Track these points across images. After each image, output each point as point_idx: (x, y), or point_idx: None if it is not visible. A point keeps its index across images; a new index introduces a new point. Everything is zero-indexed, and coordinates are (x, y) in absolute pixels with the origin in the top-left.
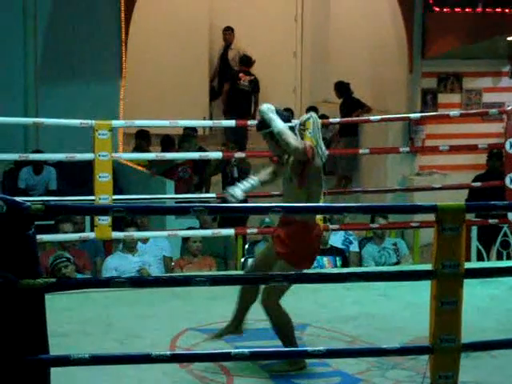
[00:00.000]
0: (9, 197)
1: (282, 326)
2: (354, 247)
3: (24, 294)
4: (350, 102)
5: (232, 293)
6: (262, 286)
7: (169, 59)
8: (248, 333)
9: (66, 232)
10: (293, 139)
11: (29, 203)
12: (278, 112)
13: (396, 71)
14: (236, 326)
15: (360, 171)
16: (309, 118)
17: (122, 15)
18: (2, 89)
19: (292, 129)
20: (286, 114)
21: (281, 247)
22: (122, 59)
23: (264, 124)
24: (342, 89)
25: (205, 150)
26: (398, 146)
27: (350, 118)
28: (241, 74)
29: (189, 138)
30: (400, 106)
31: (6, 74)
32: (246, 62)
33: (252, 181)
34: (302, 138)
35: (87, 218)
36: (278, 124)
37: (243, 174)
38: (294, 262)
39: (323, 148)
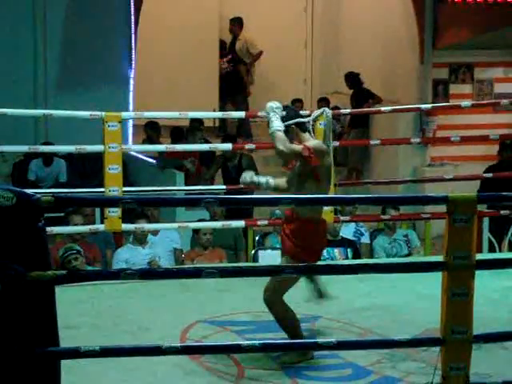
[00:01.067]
0: (18, 189)
1: (287, 321)
2: (365, 239)
3: (34, 286)
4: (360, 93)
5: (242, 285)
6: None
7: (179, 50)
8: (258, 325)
9: (76, 224)
10: (281, 142)
11: (39, 195)
12: (286, 108)
13: (407, 62)
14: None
15: (371, 162)
16: (322, 113)
17: (132, 7)
18: (11, 82)
19: (301, 124)
20: (293, 111)
21: (286, 243)
22: (132, 50)
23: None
24: (353, 79)
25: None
26: (409, 137)
27: (360, 109)
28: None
29: (193, 131)
30: (411, 97)
31: (15, 68)
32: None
33: (267, 178)
34: (314, 132)
35: (97, 210)
36: (274, 125)
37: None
38: (299, 258)
39: (331, 141)
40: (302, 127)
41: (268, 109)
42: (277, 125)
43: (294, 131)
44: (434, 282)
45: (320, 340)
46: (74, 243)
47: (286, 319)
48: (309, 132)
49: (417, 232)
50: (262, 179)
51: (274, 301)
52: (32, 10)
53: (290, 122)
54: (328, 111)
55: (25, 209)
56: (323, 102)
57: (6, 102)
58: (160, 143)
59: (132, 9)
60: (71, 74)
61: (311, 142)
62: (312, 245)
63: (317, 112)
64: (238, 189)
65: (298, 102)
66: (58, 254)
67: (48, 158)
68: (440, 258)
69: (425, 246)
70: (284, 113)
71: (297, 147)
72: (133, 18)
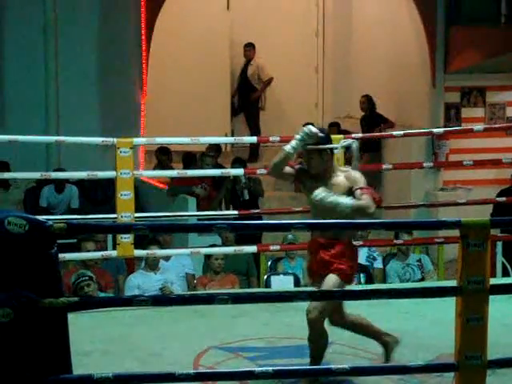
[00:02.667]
0: (31, 215)
1: (319, 343)
2: (378, 263)
3: (46, 313)
4: (372, 117)
5: (255, 310)
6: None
7: (190, 76)
8: (271, 351)
9: (89, 250)
10: (278, 159)
11: (51, 222)
12: (323, 131)
13: (419, 85)
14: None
15: (383, 186)
16: (350, 144)
17: (143, 32)
18: (23, 108)
19: (333, 150)
20: (329, 136)
21: (337, 264)
22: (143, 75)
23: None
24: (368, 102)
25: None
26: (421, 161)
27: (373, 134)
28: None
29: (203, 157)
30: (423, 121)
31: (27, 93)
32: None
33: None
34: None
35: (109, 236)
36: (290, 144)
37: (254, 196)
38: (348, 279)
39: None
40: (333, 153)
41: (300, 133)
42: (289, 146)
43: (327, 156)
44: (447, 307)
45: (333, 366)
46: (87, 269)
47: (320, 340)
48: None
49: (430, 256)
50: (293, 143)
51: (318, 320)
52: (44, 36)
53: (329, 146)
54: (356, 143)
55: (37, 236)
56: (334, 126)
57: (18, 129)
58: (171, 169)
59: (143, 34)
60: (83, 101)
61: (357, 174)
62: (356, 264)
63: (346, 142)
64: (250, 214)
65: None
66: (70, 280)
67: (60, 185)
68: (454, 283)
69: (438, 270)
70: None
71: (289, 171)
72: (144, 43)
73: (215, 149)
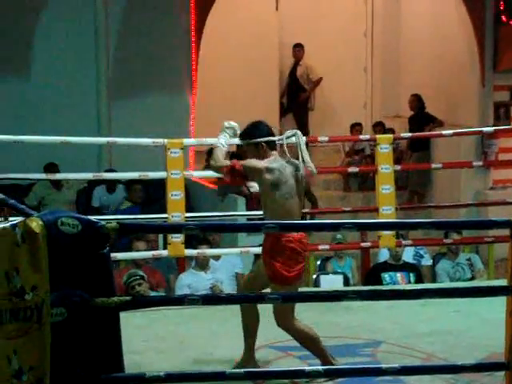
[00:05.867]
0: (84, 216)
1: (308, 340)
2: (426, 261)
3: (99, 312)
4: (420, 116)
5: (304, 309)
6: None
7: (239, 77)
8: None
9: (139, 250)
10: (214, 158)
11: (103, 222)
12: (260, 124)
13: (468, 84)
14: (249, 357)
15: (433, 186)
16: (294, 134)
17: (193, 34)
18: (75, 108)
19: (271, 142)
20: (267, 128)
21: (268, 266)
22: (192, 77)
23: (242, 135)
24: (418, 102)
25: None
26: (471, 161)
27: (422, 133)
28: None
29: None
30: (472, 120)
31: (78, 94)
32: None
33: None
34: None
35: (160, 236)
36: (218, 142)
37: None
38: (287, 280)
39: (308, 162)
40: (271, 145)
41: (221, 127)
42: (220, 142)
43: (263, 148)
44: (497, 306)
45: (383, 365)
46: (138, 269)
47: (306, 338)
48: (283, 151)
49: (480, 255)
50: (222, 140)
51: (287, 323)
52: (95, 37)
53: (262, 139)
54: (299, 133)
55: (90, 236)
56: (379, 126)
57: (70, 131)
58: None
59: (193, 36)
60: (134, 102)
61: (250, 159)
62: (287, 260)
63: (289, 133)
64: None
65: (357, 126)
66: (122, 279)
67: (111, 185)
68: (504, 282)
69: (488, 269)
70: (237, 133)
71: (223, 164)
72: (194, 44)
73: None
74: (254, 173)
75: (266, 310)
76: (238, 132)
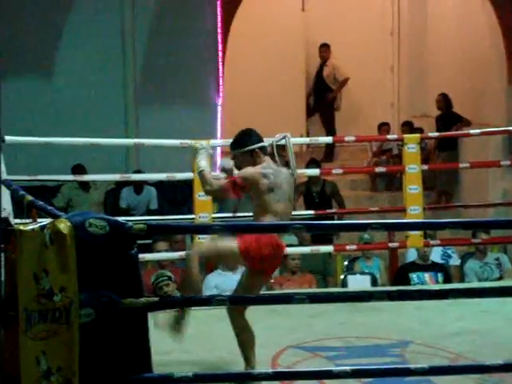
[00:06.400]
0: (111, 217)
1: (242, 339)
2: (454, 261)
3: (127, 313)
4: (448, 116)
5: (332, 310)
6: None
7: (266, 77)
8: (349, 350)
9: (160, 251)
10: (208, 182)
11: (131, 223)
12: (250, 132)
13: (495, 83)
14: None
15: (460, 186)
16: (283, 137)
17: (219, 35)
18: (102, 110)
19: (263, 148)
20: (257, 135)
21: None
22: (219, 78)
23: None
24: (445, 101)
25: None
26: (498, 160)
27: (449, 133)
28: None
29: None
30: (499, 119)
31: (106, 96)
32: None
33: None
34: (279, 155)
35: (188, 236)
36: (200, 165)
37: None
38: (244, 251)
39: (294, 167)
40: (264, 151)
41: (196, 150)
42: (202, 164)
43: (257, 154)
44: None
45: (412, 366)
46: (166, 269)
47: (242, 335)
48: (272, 155)
49: (508, 255)
50: (203, 162)
51: (234, 314)
52: (121, 39)
53: (255, 146)
54: (289, 136)
55: (118, 237)
56: (407, 125)
57: (98, 132)
58: None
59: (220, 36)
60: (161, 103)
61: (244, 169)
62: (259, 245)
63: (279, 136)
64: (326, 214)
65: (385, 126)
66: (149, 280)
67: (138, 186)
68: None
69: None
70: (211, 152)
71: (221, 183)
72: (220, 45)
73: (282, 148)
74: (252, 180)
75: (294, 311)
76: (211, 151)
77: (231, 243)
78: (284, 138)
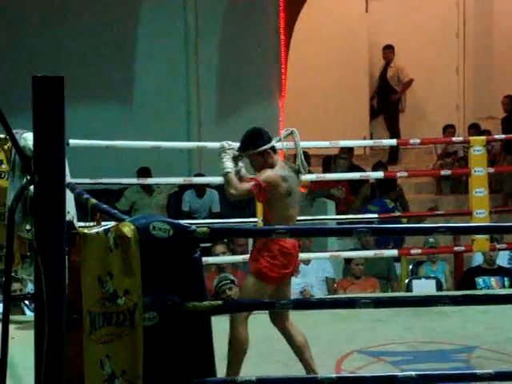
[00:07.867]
0: (175, 221)
1: (236, 349)
2: None
3: (190, 316)
4: None
5: (396, 314)
6: None
7: (329, 78)
8: (414, 355)
9: (218, 254)
10: (233, 186)
11: (194, 226)
12: (260, 131)
13: None
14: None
15: None
16: (290, 133)
17: (283, 36)
18: (165, 114)
19: (274, 147)
20: (267, 134)
21: (253, 265)
22: (282, 80)
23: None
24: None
25: (363, 170)
26: None
27: None
28: None
29: (336, 160)
30: None
31: (168, 99)
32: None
33: (232, 168)
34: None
35: (250, 240)
36: (225, 167)
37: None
38: (266, 277)
39: (303, 162)
40: (274, 150)
41: (219, 149)
42: (228, 166)
43: (270, 154)
44: None
45: (478, 371)
46: (228, 273)
47: (236, 346)
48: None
49: None
50: (228, 163)
51: (236, 323)
52: (185, 42)
53: (267, 146)
54: (296, 131)
55: (181, 240)
56: (474, 127)
57: (161, 136)
58: (310, 172)
59: (283, 38)
60: (223, 107)
61: (266, 173)
62: (282, 264)
63: (285, 133)
64: (391, 217)
65: (450, 128)
66: (212, 283)
67: (201, 189)
68: None
69: None
70: (235, 152)
71: (247, 186)
72: (283, 46)
73: (347, 151)
74: (274, 184)
75: (358, 315)
76: (236, 151)
77: (251, 290)
78: (291, 133)
